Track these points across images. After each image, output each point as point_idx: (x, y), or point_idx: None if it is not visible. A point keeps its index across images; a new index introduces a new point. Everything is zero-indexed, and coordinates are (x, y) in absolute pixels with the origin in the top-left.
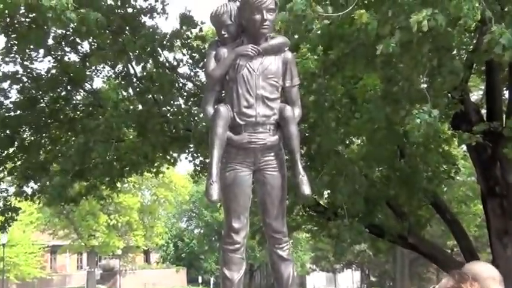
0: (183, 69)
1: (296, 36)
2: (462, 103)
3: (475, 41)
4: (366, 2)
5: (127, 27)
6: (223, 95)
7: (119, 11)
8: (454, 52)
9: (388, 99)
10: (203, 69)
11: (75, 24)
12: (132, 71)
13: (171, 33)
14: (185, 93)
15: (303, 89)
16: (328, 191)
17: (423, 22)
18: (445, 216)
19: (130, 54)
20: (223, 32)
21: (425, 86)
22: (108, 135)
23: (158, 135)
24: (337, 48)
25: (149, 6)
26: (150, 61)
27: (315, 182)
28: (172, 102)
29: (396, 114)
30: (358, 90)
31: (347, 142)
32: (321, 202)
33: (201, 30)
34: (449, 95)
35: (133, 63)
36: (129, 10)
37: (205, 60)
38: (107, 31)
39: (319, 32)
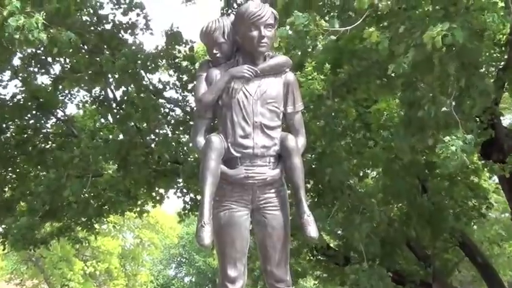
0: (170, 93)
1: (299, 53)
2: (493, 128)
3: (505, 57)
4: (375, 15)
5: (105, 46)
6: (215, 122)
7: (96, 28)
8: (483, 69)
9: (412, 126)
10: (193, 93)
11: (46, 44)
12: (111, 95)
13: (156, 52)
14: (172, 121)
15: (308, 114)
16: (342, 231)
17: (436, 38)
18: (476, 260)
19: (109, 76)
20: (215, 51)
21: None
22: (83, 170)
23: (142, 168)
24: (347, 66)
25: (130, 22)
26: (132, 84)
27: (326, 220)
28: (157, 130)
29: (421, 143)
30: (372, 114)
31: (360, 174)
32: (331, 244)
33: (191, 49)
34: (478, 119)
35: (113, 87)
36: (107, 27)
37: (194, 82)
38: (82, 50)
39: (324, 47)
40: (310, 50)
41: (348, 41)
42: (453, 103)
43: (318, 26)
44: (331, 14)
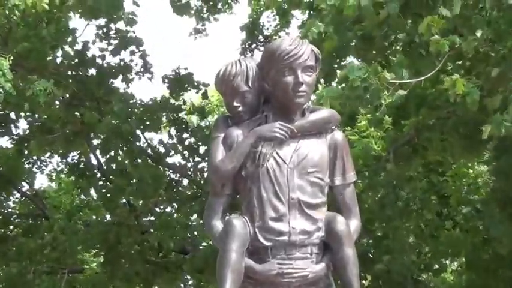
0: (175, 159)
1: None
2: None
3: None
4: (456, 60)
5: (87, 97)
6: (237, 200)
7: (76, 72)
8: None
9: (509, 206)
10: (206, 160)
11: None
12: (94, 162)
13: (157, 104)
14: (177, 196)
15: (362, 183)
16: None
17: None
18: None
19: (93, 136)
20: (236, 104)
21: None
22: (57, 263)
23: (136, 261)
24: (414, 118)
25: (122, 63)
26: (124, 147)
27: None
28: (157, 209)
29: None
30: (450, 183)
31: (436, 267)
32: None
33: (204, 95)
34: None
35: (97, 151)
36: (92, 71)
37: (209, 146)
38: (57, 102)
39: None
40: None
41: (418, 86)
42: None
43: (381, 78)
44: (395, 53)
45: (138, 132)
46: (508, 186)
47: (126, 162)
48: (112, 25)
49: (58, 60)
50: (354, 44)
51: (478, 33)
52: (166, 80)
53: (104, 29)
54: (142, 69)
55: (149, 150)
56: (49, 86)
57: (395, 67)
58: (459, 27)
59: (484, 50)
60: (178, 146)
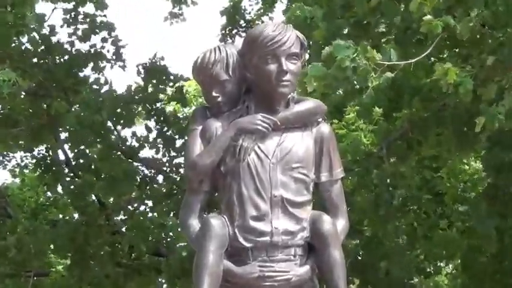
0: (149, 153)
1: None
2: None
3: None
4: (450, 43)
5: (54, 85)
6: (216, 197)
7: (43, 60)
8: None
9: (499, 201)
10: (183, 155)
11: None
12: (62, 157)
13: (129, 95)
14: (152, 193)
15: (351, 181)
16: None
17: None
18: None
19: (61, 130)
20: (215, 93)
21: None
22: (21, 265)
23: (106, 263)
24: (407, 110)
25: (93, 51)
26: (94, 141)
27: None
28: (130, 207)
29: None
30: (445, 180)
31: (429, 269)
32: None
33: (179, 89)
34: None
35: (66, 146)
36: (60, 59)
37: (186, 139)
38: (22, 93)
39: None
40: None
41: (409, 73)
42: None
43: (370, 59)
44: (388, 38)
45: (110, 124)
46: (498, 181)
47: (95, 156)
48: (81, 9)
49: (23, 48)
50: (346, 31)
51: (473, 13)
52: (140, 69)
53: (73, 13)
54: (114, 57)
55: (121, 145)
56: (13, 77)
57: (383, 48)
58: (453, 8)
59: (480, 34)
60: (157, 139)
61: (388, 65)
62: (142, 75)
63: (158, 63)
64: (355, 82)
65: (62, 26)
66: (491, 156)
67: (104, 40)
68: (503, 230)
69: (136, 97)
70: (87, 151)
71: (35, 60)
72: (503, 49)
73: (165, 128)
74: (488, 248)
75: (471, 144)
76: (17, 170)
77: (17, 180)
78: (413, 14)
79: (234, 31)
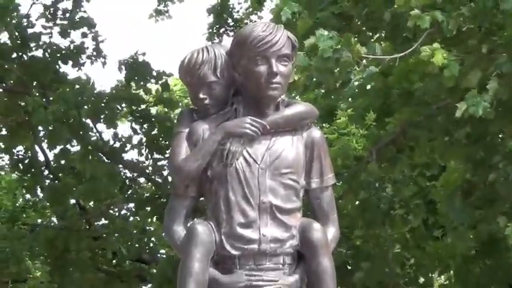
0: (131, 155)
1: (322, 91)
2: None
3: None
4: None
5: (34, 83)
6: (201, 203)
7: (20, 55)
8: None
9: (475, 195)
10: (167, 158)
11: None
12: (41, 158)
13: (112, 93)
14: (134, 196)
15: (341, 186)
16: None
17: None
18: None
19: (40, 129)
20: (202, 95)
21: None
22: None
23: (86, 269)
24: (399, 115)
25: (73, 46)
26: (74, 141)
27: None
28: (112, 211)
29: (486, 223)
30: (438, 189)
31: (420, 280)
32: None
33: (164, 86)
34: None
35: (44, 145)
36: (38, 53)
37: (171, 142)
38: None
39: (361, 89)
40: (338, 86)
41: (400, 76)
42: None
43: (354, 52)
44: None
45: (90, 123)
46: (477, 174)
47: (76, 157)
48: (60, 5)
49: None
50: (330, 23)
51: (464, 9)
52: (122, 67)
53: (51, 9)
54: (94, 53)
55: (102, 145)
56: None
57: (370, 44)
58: (440, 2)
59: (467, 29)
60: (142, 140)
61: (374, 60)
62: (124, 71)
63: (139, 60)
64: (337, 74)
65: (37, 19)
66: (470, 151)
67: (83, 35)
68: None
69: (118, 95)
70: (68, 151)
71: (13, 56)
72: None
73: (152, 130)
74: (482, 237)
75: (460, 147)
76: None
77: None
78: (399, 8)
79: (222, 30)
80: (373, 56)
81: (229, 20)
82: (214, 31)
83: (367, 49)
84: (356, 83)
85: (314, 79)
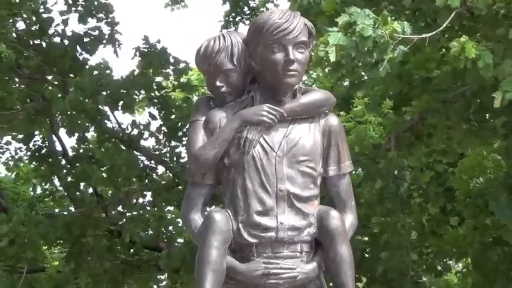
0: (149, 143)
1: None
2: None
3: None
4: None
5: (52, 69)
6: (219, 191)
7: (39, 42)
8: None
9: None
10: (184, 146)
11: None
12: (59, 147)
13: (130, 79)
14: (152, 185)
15: (358, 174)
16: None
17: None
18: None
19: (57, 116)
20: (219, 83)
21: None
22: (15, 261)
23: (104, 258)
24: (418, 102)
25: (92, 33)
26: (92, 128)
27: None
28: (130, 200)
29: None
30: (456, 176)
31: (439, 267)
32: None
33: (184, 71)
34: None
35: (62, 133)
36: (56, 39)
37: (188, 130)
38: (16, 78)
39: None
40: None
41: (419, 64)
42: None
43: (391, 31)
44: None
45: (108, 111)
46: None
47: (93, 146)
48: None
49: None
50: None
51: None
52: (137, 54)
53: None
54: (107, 39)
55: (120, 133)
56: (5, 52)
57: (399, 24)
58: None
59: (498, 11)
60: (161, 128)
61: (402, 40)
62: (139, 59)
63: (155, 47)
64: (374, 55)
65: (53, 5)
66: (509, 143)
67: (99, 20)
68: None
69: (136, 81)
70: (85, 139)
71: (31, 42)
72: None
73: (170, 116)
74: (508, 239)
75: (484, 137)
76: (11, 162)
77: (11, 173)
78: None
79: (238, 18)
80: (402, 35)
81: (245, 8)
82: (231, 19)
83: (399, 28)
84: (388, 66)
85: (352, 55)
